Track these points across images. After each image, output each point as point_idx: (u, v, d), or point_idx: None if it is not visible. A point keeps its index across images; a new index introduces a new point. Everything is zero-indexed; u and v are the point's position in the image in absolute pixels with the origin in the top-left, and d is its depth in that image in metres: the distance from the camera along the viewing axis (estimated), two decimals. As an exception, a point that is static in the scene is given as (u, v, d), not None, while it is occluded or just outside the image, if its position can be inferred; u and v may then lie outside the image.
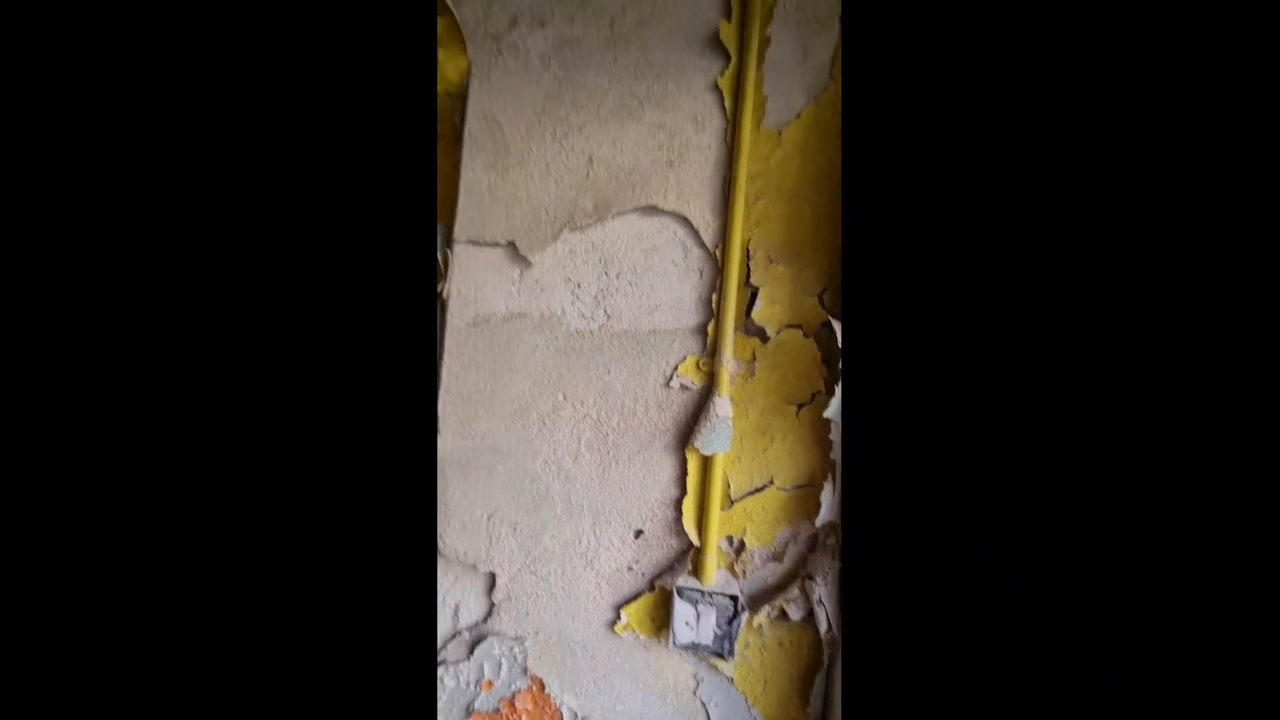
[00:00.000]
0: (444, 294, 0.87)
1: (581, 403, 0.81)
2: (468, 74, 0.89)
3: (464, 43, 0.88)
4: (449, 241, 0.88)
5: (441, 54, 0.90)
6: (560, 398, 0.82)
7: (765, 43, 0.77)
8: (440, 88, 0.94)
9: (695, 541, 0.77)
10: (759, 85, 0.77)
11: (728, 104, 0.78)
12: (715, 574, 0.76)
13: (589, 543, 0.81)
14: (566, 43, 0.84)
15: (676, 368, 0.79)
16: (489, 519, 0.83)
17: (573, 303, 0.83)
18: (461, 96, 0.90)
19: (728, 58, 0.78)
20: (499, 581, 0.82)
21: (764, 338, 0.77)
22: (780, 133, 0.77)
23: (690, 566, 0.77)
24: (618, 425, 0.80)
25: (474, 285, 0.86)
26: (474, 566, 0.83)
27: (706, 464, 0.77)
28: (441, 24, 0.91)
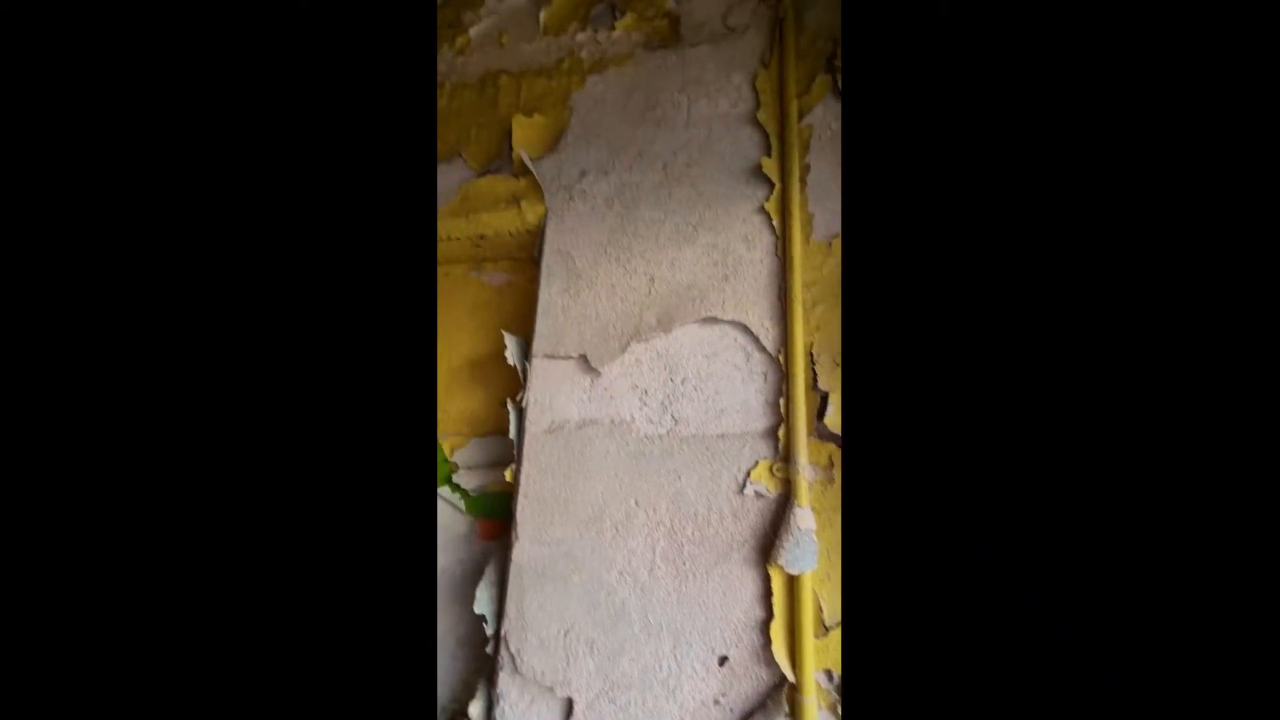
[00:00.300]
0: (522, 403, 0.96)
1: (654, 509, 0.82)
2: (544, 217, 1.05)
3: (542, 193, 1.06)
4: (527, 356, 0.99)
5: (524, 203, 1.09)
6: (633, 504, 0.83)
7: (805, 169, 0.86)
8: (522, 227, 1.12)
9: (789, 675, 0.69)
10: (804, 205, 0.84)
11: (776, 223, 0.86)
12: (817, 718, 0.67)
13: (670, 668, 0.76)
14: (626, 186, 0.99)
15: (749, 473, 0.78)
16: (565, 635, 0.82)
17: (641, 408, 0.87)
18: (539, 234, 1.06)
19: (772, 185, 0.87)
20: (576, 709, 0.78)
21: (840, 443, 0.75)
22: (830, 244, 0.82)
23: (786, 706, 0.69)
24: (692, 534, 0.79)
25: (549, 394, 0.93)
26: (551, 689, 0.80)
27: (793, 582, 0.72)
28: (524, 182, 1.11)
